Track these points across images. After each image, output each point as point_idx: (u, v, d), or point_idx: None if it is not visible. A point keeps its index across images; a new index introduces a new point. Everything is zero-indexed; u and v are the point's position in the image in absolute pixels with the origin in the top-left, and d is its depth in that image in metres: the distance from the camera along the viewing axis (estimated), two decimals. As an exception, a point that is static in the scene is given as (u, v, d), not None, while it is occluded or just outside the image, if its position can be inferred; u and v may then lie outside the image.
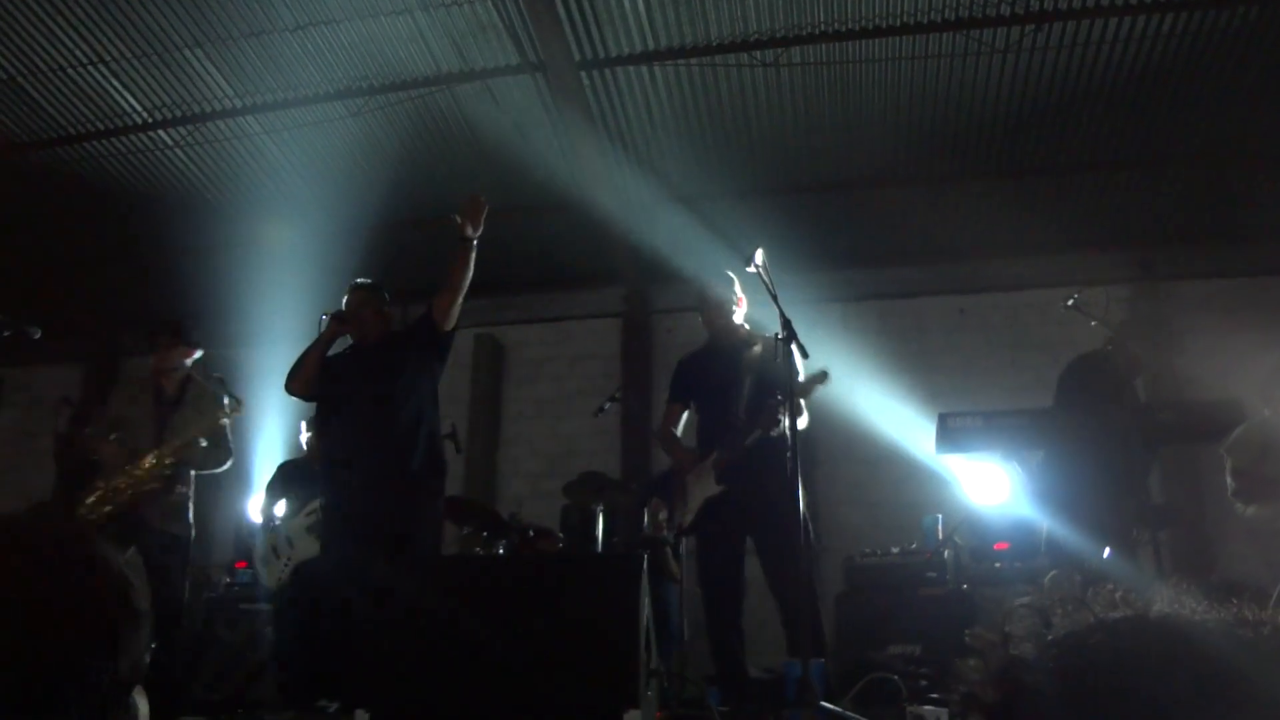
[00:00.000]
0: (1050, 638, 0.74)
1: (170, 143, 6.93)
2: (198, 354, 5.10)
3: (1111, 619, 0.74)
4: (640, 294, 8.42)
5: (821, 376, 4.17)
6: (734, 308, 4.60)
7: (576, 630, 2.95)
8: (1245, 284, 7.46)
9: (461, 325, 8.76)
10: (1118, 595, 0.77)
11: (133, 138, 6.87)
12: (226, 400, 4.99)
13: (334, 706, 3.88)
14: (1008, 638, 0.76)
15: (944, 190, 7.25)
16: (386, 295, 4.84)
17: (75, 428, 6.02)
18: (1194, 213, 7.38)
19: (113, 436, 4.85)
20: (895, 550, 5.86)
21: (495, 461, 8.46)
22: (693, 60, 6.23)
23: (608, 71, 6.36)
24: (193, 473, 4.96)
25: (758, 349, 4.49)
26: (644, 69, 6.34)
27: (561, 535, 5.95)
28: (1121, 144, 6.81)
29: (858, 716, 3.12)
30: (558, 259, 8.16)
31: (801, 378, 4.15)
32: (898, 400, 7.23)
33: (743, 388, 4.31)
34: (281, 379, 4.73)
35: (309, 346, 4.61)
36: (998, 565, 5.79)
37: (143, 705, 0.97)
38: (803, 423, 4.33)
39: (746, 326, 4.67)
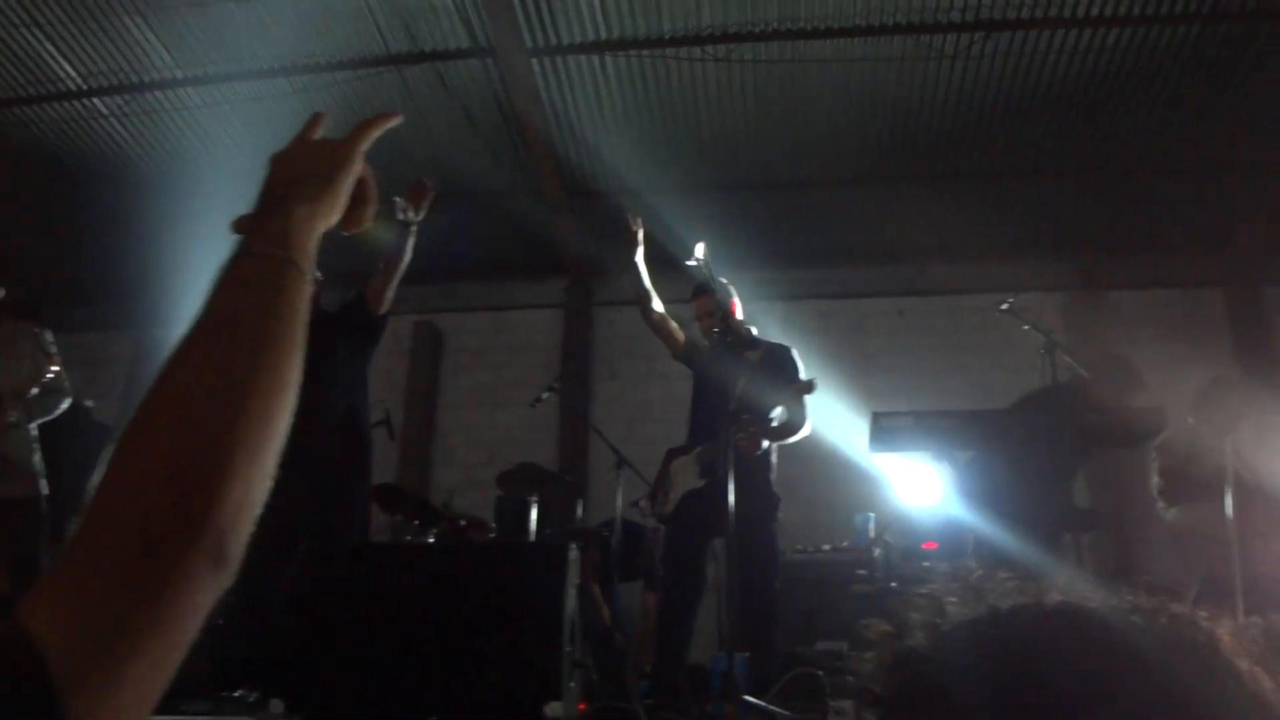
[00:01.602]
0: (944, 628, 0.72)
1: (106, 112, 6.73)
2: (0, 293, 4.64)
3: (1006, 607, 0.72)
4: (583, 286, 8.38)
5: (808, 385, 4.19)
6: (717, 317, 4.58)
7: (499, 621, 2.91)
8: (1180, 295, 7.64)
9: (401, 311, 8.70)
10: (1012, 584, 0.76)
11: (67, 105, 6.66)
12: (46, 334, 4.61)
13: (253, 695, 3.79)
14: (901, 628, 0.75)
15: (889, 192, 7.31)
16: (319, 275, 4.72)
17: None
18: (1132, 223, 7.53)
19: None
20: (827, 548, 5.92)
21: (431, 450, 8.37)
22: (644, 51, 6.20)
23: (559, 59, 6.31)
24: (33, 427, 4.56)
25: (758, 354, 4.52)
26: (595, 59, 6.30)
27: (495, 526, 5.90)
28: (1064, 152, 6.92)
29: (780, 711, 3.12)
30: (501, 248, 8.09)
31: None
32: (835, 400, 7.28)
33: (737, 388, 4.31)
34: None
35: None
36: (926, 565, 5.87)
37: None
38: (805, 431, 4.41)
39: (754, 330, 4.68)
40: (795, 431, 4.46)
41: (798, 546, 6.15)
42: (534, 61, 6.27)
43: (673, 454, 4.56)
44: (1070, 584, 0.75)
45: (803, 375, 4.52)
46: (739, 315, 4.63)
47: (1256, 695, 0.67)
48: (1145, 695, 0.66)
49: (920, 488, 6.31)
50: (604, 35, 6.11)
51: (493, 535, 5.75)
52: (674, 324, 4.74)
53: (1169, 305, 7.52)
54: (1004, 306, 4.45)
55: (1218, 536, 3.73)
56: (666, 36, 6.10)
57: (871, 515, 6.13)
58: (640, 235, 4.57)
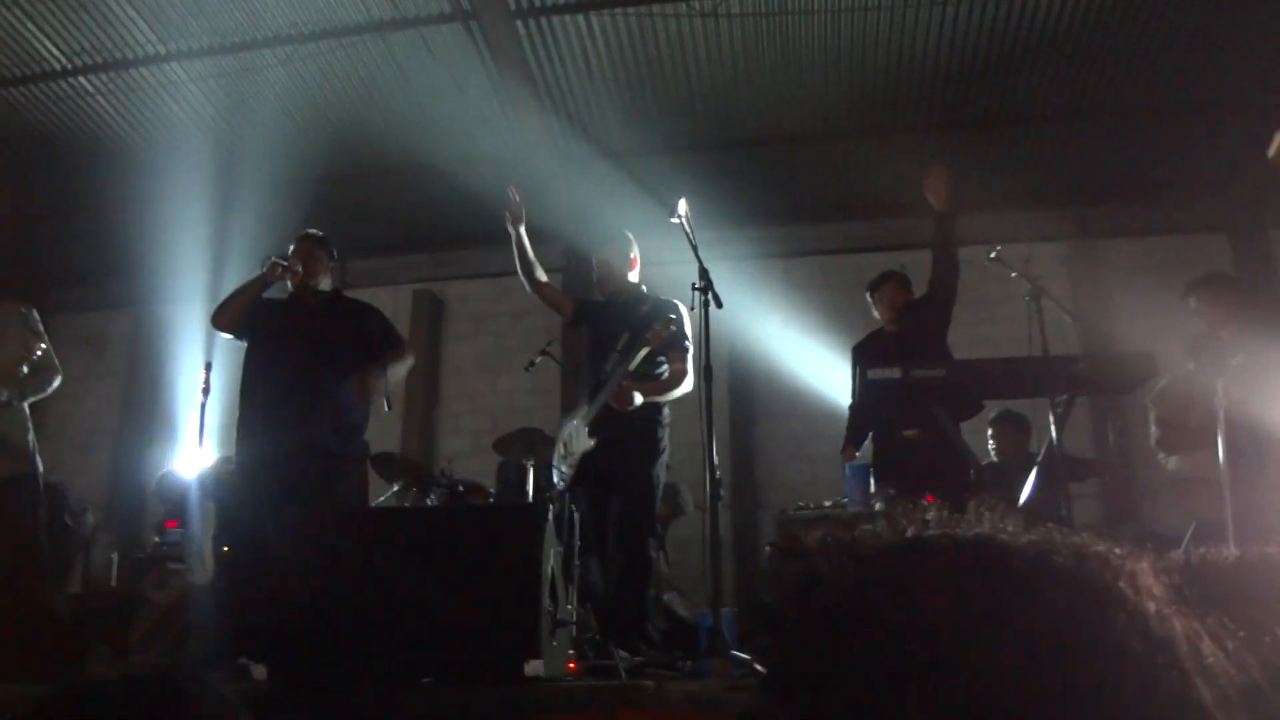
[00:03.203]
0: (854, 553, 0.71)
1: (91, 90, 6.70)
2: None
3: (917, 536, 0.71)
4: (582, 249, 8.33)
5: (665, 323, 4.10)
6: (626, 268, 4.58)
7: (478, 581, 2.92)
8: (1179, 241, 7.53)
9: (401, 281, 8.74)
10: (929, 515, 0.74)
11: (52, 84, 6.63)
12: (32, 313, 4.61)
13: (236, 662, 3.83)
14: (803, 550, 0.73)
15: (883, 144, 7.21)
16: (334, 251, 4.78)
17: None
18: (1131, 169, 7.42)
19: None
20: (827, 504, 5.90)
21: (435, 418, 8.40)
22: (630, 9, 6.11)
23: (544, 20, 6.22)
24: (24, 406, 4.60)
25: (645, 308, 4.46)
26: (580, 18, 6.21)
27: (494, 491, 5.92)
28: (1059, 97, 6.80)
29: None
30: (496, 213, 8.02)
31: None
32: (839, 356, 7.24)
33: (619, 344, 4.30)
34: (214, 333, 4.67)
35: (245, 283, 4.57)
36: (928, 517, 5.85)
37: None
38: (685, 387, 4.31)
39: (643, 287, 4.65)
40: (674, 387, 4.34)
41: (799, 503, 6.15)
42: (518, 23, 6.19)
43: (567, 419, 4.53)
44: (990, 517, 0.73)
45: (688, 331, 4.41)
46: (636, 270, 4.62)
47: (1157, 636, 0.65)
48: (1036, 629, 0.64)
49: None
50: (588, -6, 6.03)
51: (492, 499, 5.78)
52: (559, 291, 4.76)
53: (1170, 252, 7.41)
54: (992, 255, 4.39)
55: (1215, 481, 3.70)
56: (653, -8, 6.00)
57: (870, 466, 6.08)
58: (521, 208, 4.55)
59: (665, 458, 4.36)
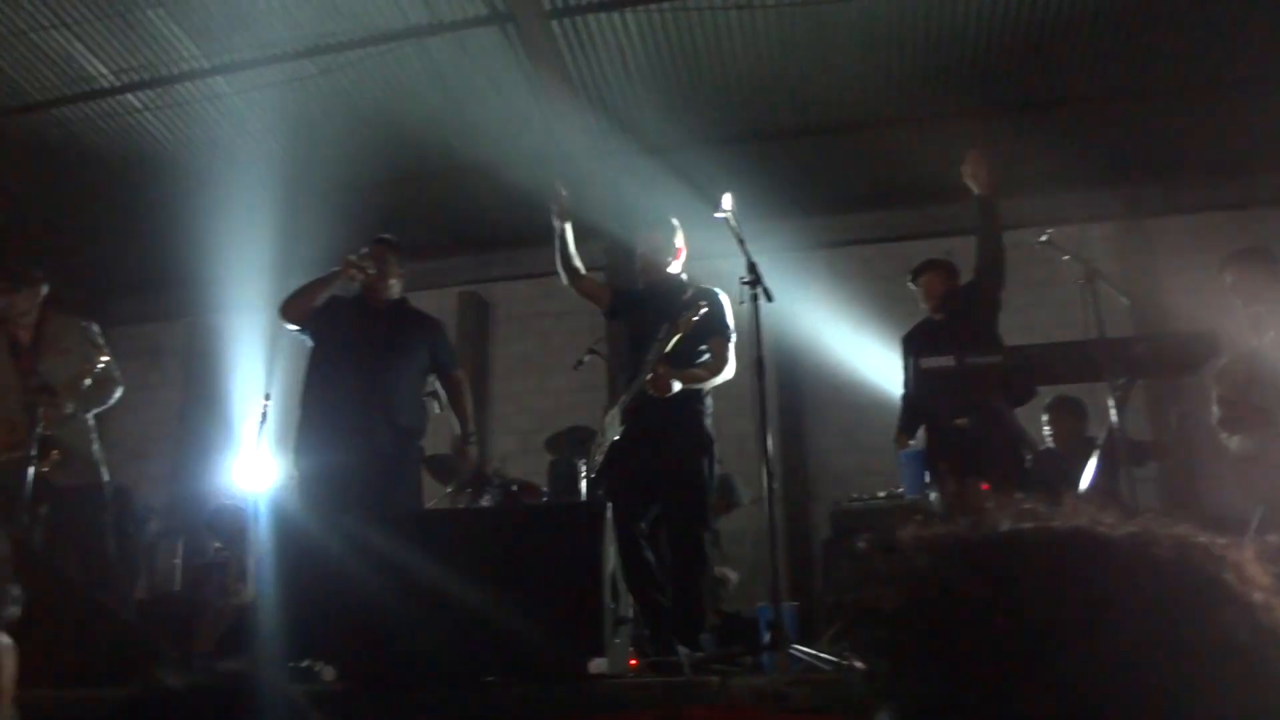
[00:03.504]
0: (949, 546, 0.70)
1: (140, 106, 6.83)
2: (44, 290, 4.77)
3: (1016, 529, 0.71)
4: (624, 246, 8.34)
5: (695, 309, 4.06)
6: (670, 257, 4.56)
7: (541, 581, 2.94)
8: (1233, 217, 7.37)
9: (446, 284, 8.80)
10: (1024, 506, 0.74)
11: (101, 102, 6.77)
12: (93, 327, 4.74)
13: (305, 663, 3.89)
14: (899, 546, 0.73)
15: (926, 130, 7.13)
16: (402, 258, 4.86)
17: None
18: (1181, 146, 7.27)
19: None
20: (881, 495, 5.86)
21: (484, 419, 8.45)
22: (665, 4, 6.10)
23: (579, 19, 6.24)
24: (89, 417, 4.72)
25: (686, 297, 4.43)
26: (615, 15, 6.22)
27: (547, 490, 5.96)
28: (1105, 76, 6.69)
29: (827, 657, 3.12)
30: (539, 213, 8.05)
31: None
32: (886, 345, 7.18)
33: (659, 332, 4.28)
34: (268, 341, 4.77)
35: (316, 278, 4.63)
36: (1024, 509, 5.77)
37: (8, 657, 0.93)
38: (725, 375, 4.29)
39: (684, 277, 4.61)
40: (715, 374, 4.30)
41: (853, 495, 6.11)
42: (554, 23, 6.21)
43: (606, 411, 4.52)
44: (1084, 509, 0.72)
45: (730, 321, 4.38)
46: (680, 260, 4.58)
47: (1266, 626, 0.64)
48: (1140, 624, 0.64)
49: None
50: (624, -9, 6.03)
51: (545, 499, 5.82)
52: (596, 282, 4.75)
53: (1223, 228, 7.25)
54: (1043, 238, 4.33)
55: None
56: (686, -13, 6.00)
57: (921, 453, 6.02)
58: (568, 202, 4.55)
59: (714, 449, 4.33)
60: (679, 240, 4.61)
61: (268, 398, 5.77)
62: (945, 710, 0.65)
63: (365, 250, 4.70)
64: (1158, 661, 0.63)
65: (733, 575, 6.22)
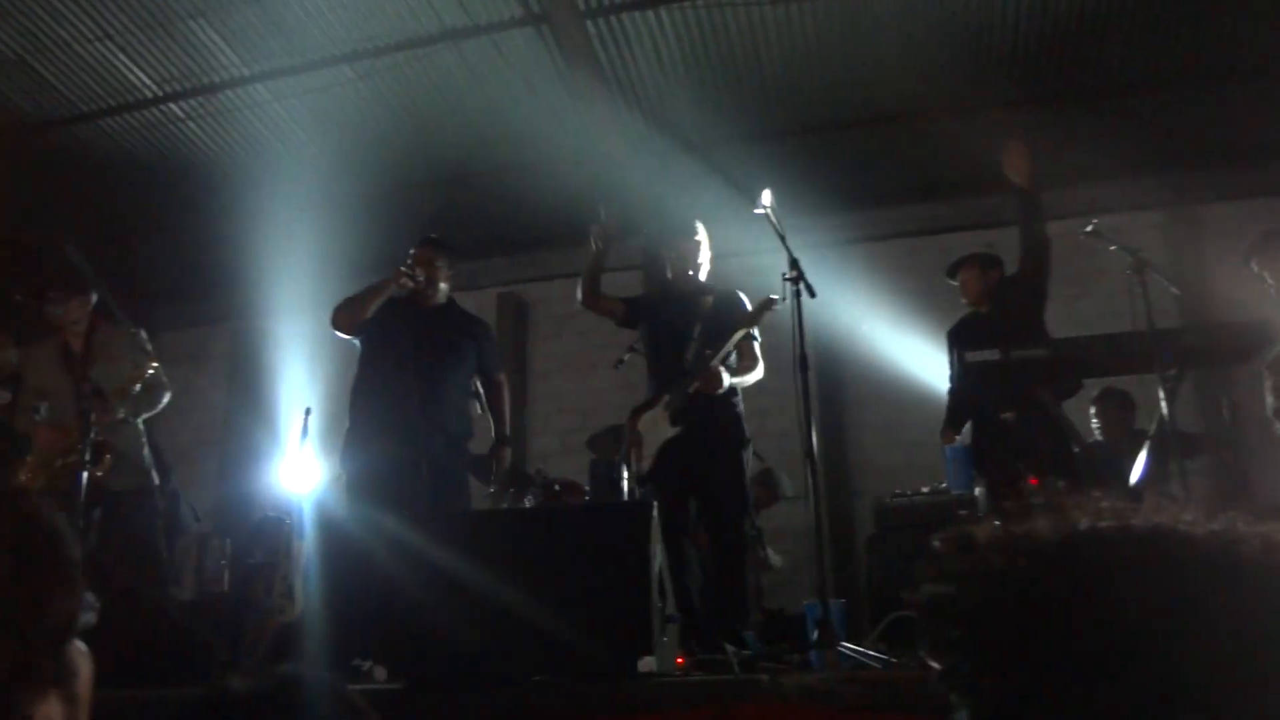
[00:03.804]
0: (1030, 544, 0.69)
1: (182, 115, 6.93)
2: (94, 298, 4.88)
3: (1091, 527, 0.70)
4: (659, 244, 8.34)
5: (768, 301, 4.10)
6: (697, 263, 4.62)
7: (589, 580, 2.94)
8: (1281, 203, 7.21)
9: (484, 285, 8.85)
10: (1103, 504, 0.73)
11: (144, 112, 6.88)
12: (141, 333, 4.78)
13: (368, 665, 3.94)
14: (974, 544, 0.72)
15: (966, 122, 7.05)
16: (451, 256, 4.92)
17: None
18: (1228, 132, 7.13)
19: (42, 409, 4.61)
20: (925, 490, 5.79)
21: (524, 419, 8.49)
22: (699, 1, 6.09)
23: (613, 19, 6.24)
24: (139, 422, 4.80)
25: (710, 299, 4.51)
26: (650, 14, 6.21)
27: (589, 489, 5.97)
28: (1149, 63, 6.57)
29: (876, 655, 3.10)
30: (576, 213, 8.07)
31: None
32: (927, 339, 7.12)
33: (694, 333, 4.35)
34: (312, 346, 4.83)
35: (368, 288, 4.70)
36: (1102, 506, 5.69)
37: (84, 663, 0.95)
38: (757, 374, 4.36)
39: (702, 278, 4.69)
40: (750, 371, 4.40)
41: (896, 490, 6.05)
42: (589, 23, 6.22)
43: (638, 412, 4.53)
44: (1163, 506, 0.71)
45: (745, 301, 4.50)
46: (704, 260, 4.63)
47: None
48: (1226, 624, 0.63)
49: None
50: (658, -11, 6.02)
51: (587, 498, 5.83)
52: (607, 297, 4.77)
53: (1273, 214, 7.09)
54: (1089, 229, 4.26)
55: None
56: (721, -18, 5.98)
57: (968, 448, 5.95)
58: (615, 228, 4.60)
59: (751, 443, 4.42)
60: (706, 246, 4.67)
61: (309, 412, 5.82)
62: (1027, 710, 0.64)
63: (413, 252, 4.76)
64: (1243, 661, 0.62)
65: (775, 558, 6.21)
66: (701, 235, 4.72)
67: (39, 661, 0.85)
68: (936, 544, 0.74)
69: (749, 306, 4.43)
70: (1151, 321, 3.78)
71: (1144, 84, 6.77)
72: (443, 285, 4.79)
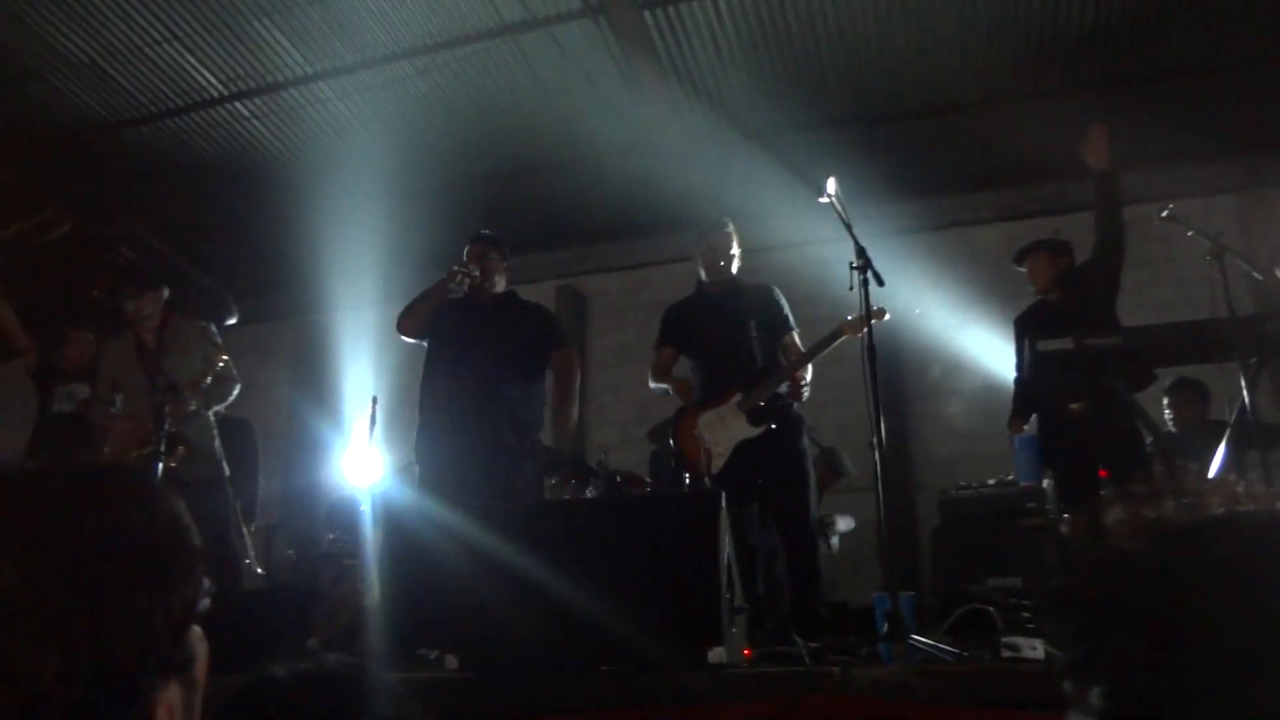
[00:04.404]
0: (1162, 530, 0.68)
1: (247, 114, 7.05)
2: (165, 293, 5.02)
3: (1234, 512, 0.68)
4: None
5: (878, 312, 4.08)
6: (729, 257, 4.64)
7: (658, 570, 2.95)
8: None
9: (542, 278, 8.90)
10: (1240, 488, 0.71)
11: (211, 111, 7.01)
12: (211, 327, 4.94)
13: (433, 654, 4.00)
14: (1105, 529, 0.70)
15: (1029, 108, 6.92)
16: (506, 250, 4.97)
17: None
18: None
19: (117, 401, 4.77)
20: (991, 482, 5.69)
21: (583, 412, 8.50)
22: (756, -12, 6.04)
23: (671, 9, 6.22)
24: (210, 414, 4.93)
25: (754, 294, 4.56)
26: (708, 3, 6.17)
27: (649, 480, 5.97)
28: (1223, 45, 6.38)
29: (946, 648, 3.06)
30: (633, 205, 8.09)
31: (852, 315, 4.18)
32: (991, 330, 7.00)
33: (750, 330, 4.37)
34: (374, 339, 4.90)
35: (426, 290, 4.78)
36: (1102, 493, 5.58)
37: (201, 648, 0.97)
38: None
39: (732, 270, 4.78)
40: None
41: (960, 484, 5.96)
42: (646, 14, 6.21)
43: (686, 414, 4.53)
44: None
45: (789, 313, 4.63)
46: (736, 260, 4.68)
47: None
48: None
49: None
50: (716, -22, 5.99)
51: (648, 489, 5.83)
52: (664, 363, 4.85)
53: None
54: (1163, 214, 4.16)
55: None
56: (780, -31, 5.93)
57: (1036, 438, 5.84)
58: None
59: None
60: (736, 241, 4.70)
61: (375, 400, 5.89)
62: (1174, 697, 0.62)
63: (467, 249, 4.82)
64: None
65: (841, 522, 6.12)
66: (730, 228, 4.75)
67: (164, 647, 0.86)
68: (1064, 530, 0.73)
69: (782, 301, 4.56)
70: (1231, 308, 3.68)
71: (1216, 66, 6.57)
72: (498, 278, 4.85)
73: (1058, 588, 0.70)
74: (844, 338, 4.20)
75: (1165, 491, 0.70)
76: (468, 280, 4.70)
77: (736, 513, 4.14)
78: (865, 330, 3.70)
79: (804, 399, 4.23)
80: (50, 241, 5.54)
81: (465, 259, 4.79)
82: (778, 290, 4.67)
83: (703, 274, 4.84)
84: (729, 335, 4.50)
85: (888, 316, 4.07)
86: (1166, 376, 5.29)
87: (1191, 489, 0.70)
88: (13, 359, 5.79)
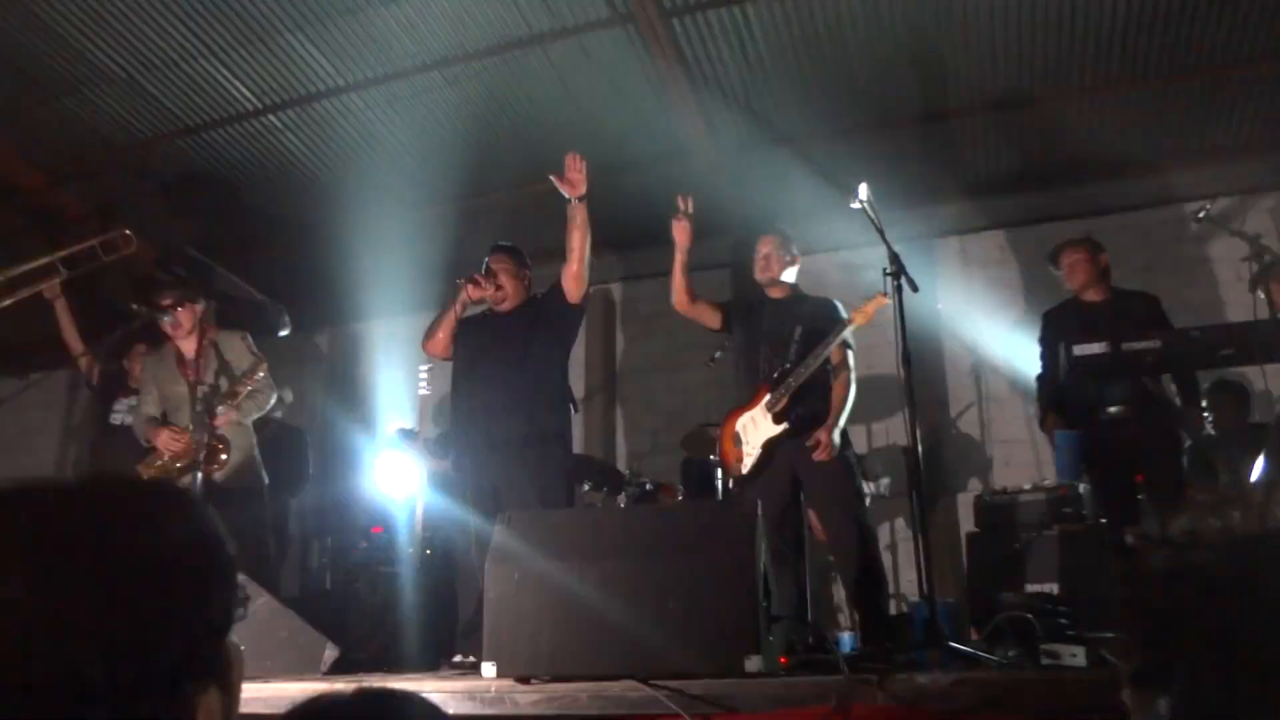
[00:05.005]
0: (1231, 540, 0.67)
1: (280, 126, 7.13)
2: (202, 304, 5.11)
3: None
4: (748, 242, 8.29)
5: (878, 297, 4.11)
6: (789, 263, 4.68)
7: (694, 578, 2.94)
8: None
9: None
10: None
11: (245, 124, 7.09)
12: (248, 337, 5.03)
13: (469, 660, 4.02)
14: (1173, 540, 0.70)
15: (1062, 109, 6.86)
16: (526, 259, 4.99)
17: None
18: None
19: (159, 415, 4.88)
20: (1027, 487, 5.64)
21: (614, 419, 8.53)
22: (784, -6, 6.03)
23: (698, 16, 6.23)
24: (249, 422, 5.02)
25: (807, 305, 4.59)
26: (735, 9, 6.17)
27: (681, 488, 5.98)
28: (1261, 38, 6.27)
29: (983, 654, 3.03)
30: (662, 212, 8.08)
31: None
32: (1021, 333, 6.94)
33: (794, 336, 4.41)
34: (406, 348, 4.96)
35: (443, 309, 4.83)
36: (1139, 498, 5.51)
37: (237, 656, 0.99)
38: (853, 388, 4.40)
39: (789, 279, 4.85)
40: (850, 386, 4.56)
41: (996, 488, 5.92)
42: (674, 21, 6.22)
43: (727, 416, 4.60)
44: None
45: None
46: (796, 268, 4.70)
47: None
48: None
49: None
50: (742, -16, 5.98)
51: (680, 498, 5.83)
52: (707, 304, 4.84)
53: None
54: (1200, 215, 4.11)
55: None
56: (807, -25, 5.91)
57: (1074, 435, 5.76)
58: (689, 226, 4.65)
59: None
60: (793, 249, 4.73)
61: (415, 408, 5.94)
62: (1241, 707, 0.62)
63: (486, 260, 4.87)
64: None
65: (870, 486, 6.08)
66: (775, 234, 4.80)
67: (203, 654, 0.89)
68: (1129, 539, 0.72)
69: (843, 313, 4.49)
70: (1274, 311, 3.63)
71: (1252, 60, 6.48)
72: (514, 288, 4.86)
73: (1124, 598, 0.70)
74: (853, 326, 4.26)
75: (1230, 501, 0.69)
76: (480, 294, 4.76)
77: (775, 514, 4.18)
78: (899, 334, 3.68)
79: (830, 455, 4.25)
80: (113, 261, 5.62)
81: (484, 271, 4.86)
82: (838, 305, 4.69)
83: (756, 278, 4.93)
84: (765, 341, 4.54)
85: (887, 302, 4.05)
86: (1206, 378, 5.22)
87: (1255, 499, 0.69)
88: (66, 365, 5.90)
